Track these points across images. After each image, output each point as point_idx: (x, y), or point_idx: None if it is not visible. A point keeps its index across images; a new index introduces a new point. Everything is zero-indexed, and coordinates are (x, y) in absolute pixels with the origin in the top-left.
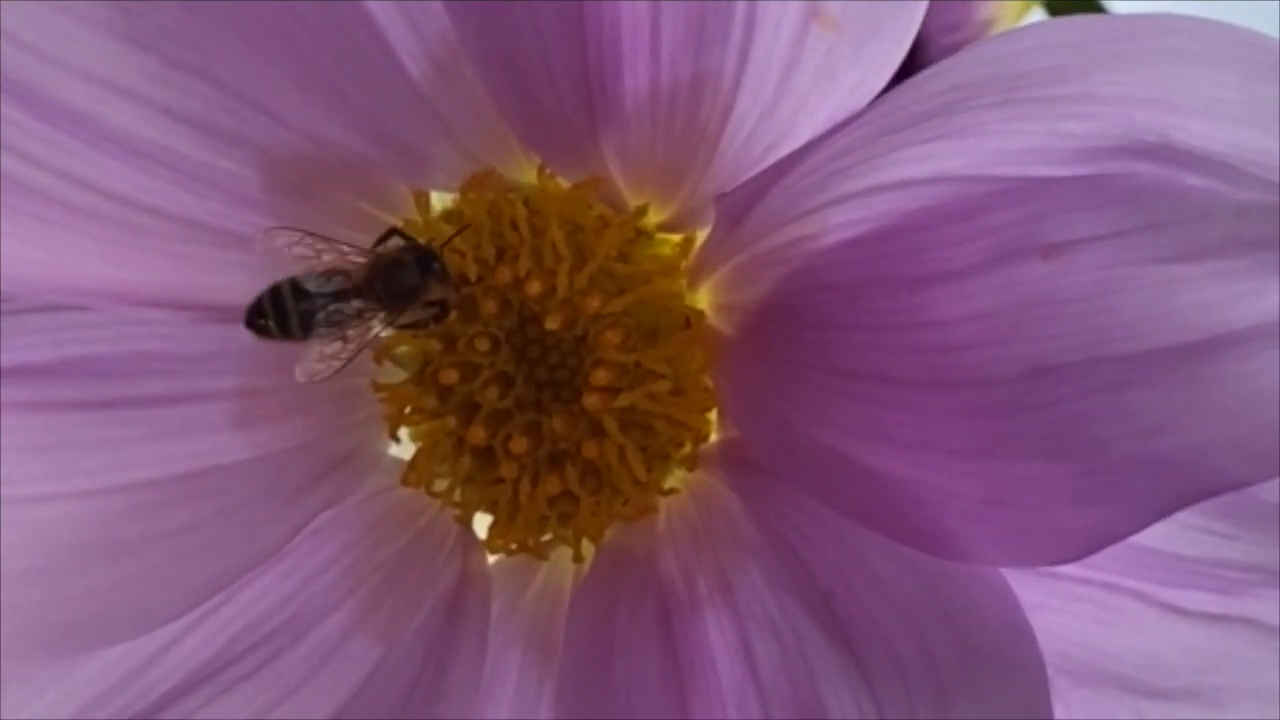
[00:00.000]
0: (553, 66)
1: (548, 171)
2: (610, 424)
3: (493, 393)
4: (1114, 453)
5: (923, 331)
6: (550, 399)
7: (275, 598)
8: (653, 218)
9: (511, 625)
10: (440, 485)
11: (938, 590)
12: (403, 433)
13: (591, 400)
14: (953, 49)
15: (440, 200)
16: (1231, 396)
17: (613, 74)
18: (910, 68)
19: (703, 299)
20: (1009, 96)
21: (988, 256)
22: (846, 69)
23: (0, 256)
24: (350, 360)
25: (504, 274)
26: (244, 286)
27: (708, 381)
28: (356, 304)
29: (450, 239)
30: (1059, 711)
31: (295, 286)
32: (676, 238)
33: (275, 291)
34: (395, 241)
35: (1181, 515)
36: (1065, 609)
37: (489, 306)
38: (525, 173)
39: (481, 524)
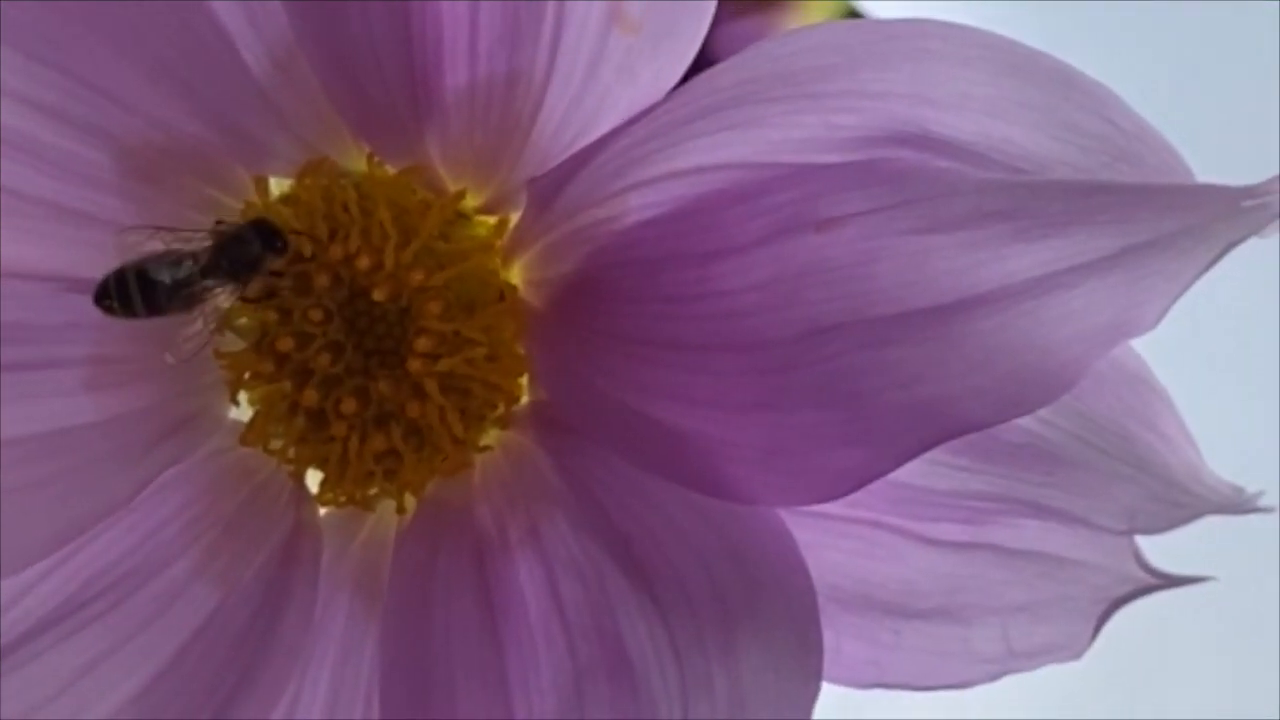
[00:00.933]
0: (381, 65)
1: (376, 159)
2: (431, 387)
3: (325, 359)
4: (877, 401)
5: (711, 300)
6: (377, 365)
7: (123, 547)
8: (471, 201)
9: (340, 571)
10: (276, 444)
11: (724, 531)
12: (241, 397)
13: (415, 365)
14: None
15: (278, 185)
16: (977, 350)
17: (435, 72)
18: (700, 65)
19: (515, 275)
20: (787, 92)
21: (768, 232)
22: (645, 65)
23: None
24: (213, 333)
25: (336, 251)
26: (99, 262)
27: (519, 349)
28: (205, 282)
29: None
30: (829, 634)
31: (139, 271)
32: (492, 219)
33: (119, 275)
34: (234, 219)
35: (933, 454)
36: (834, 545)
37: (322, 280)
38: (356, 160)
39: (313, 480)
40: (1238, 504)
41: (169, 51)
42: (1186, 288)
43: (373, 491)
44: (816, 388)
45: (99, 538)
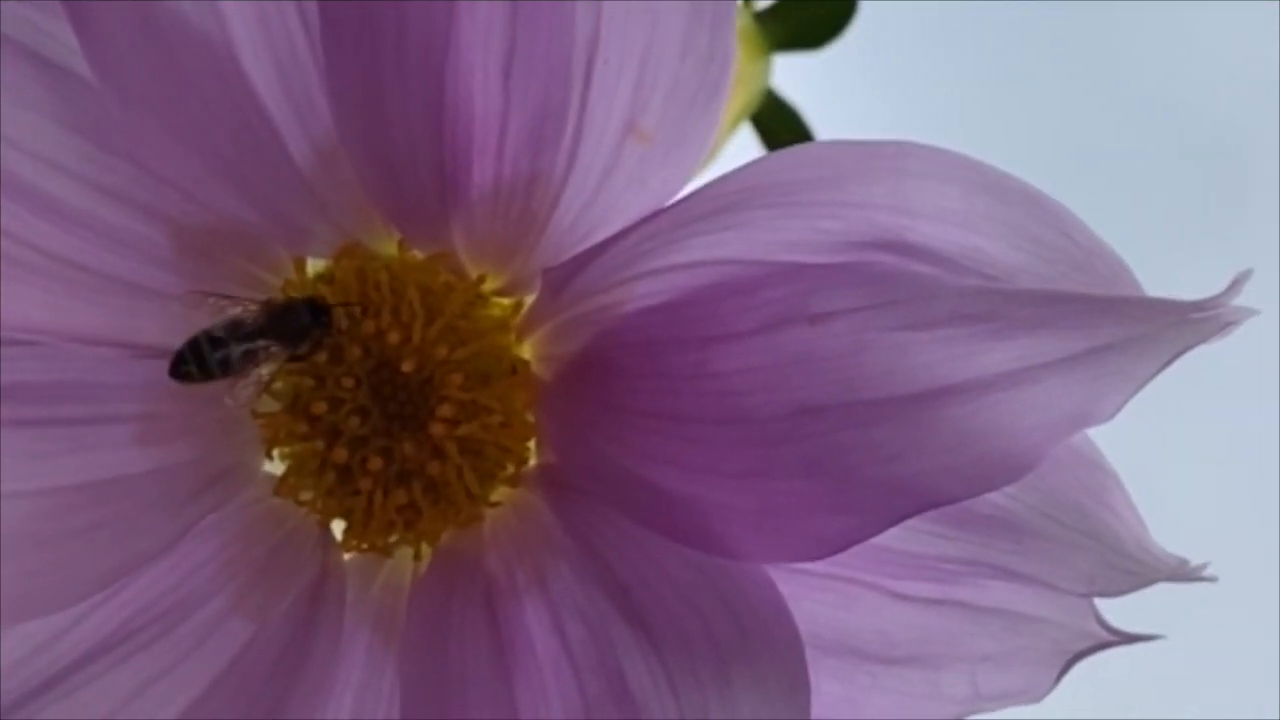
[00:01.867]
0: (415, 163)
1: (406, 245)
2: (451, 449)
3: (354, 421)
4: (860, 474)
5: (708, 380)
6: (399, 428)
7: (164, 585)
8: (489, 284)
9: (361, 610)
10: (306, 496)
11: (716, 582)
12: (275, 453)
13: (437, 429)
14: None
15: (312, 265)
16: (951, 433)
17: (464, 171)
18: None
19: (527, 350)
20: (780, 199)
21: (764, 323)
22: (655, 172)
23: None
24: (268, 384)
25: (369, 326)
26: (152, 330)
27: (530, 417)
28: (262, 343)
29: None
30: (810, 675)
31: (208, 336)
32: (508, 301)
33: (193, 343)
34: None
35: (911, 522)
36: (814, 598)
37: (354, 352)
38: (387, 245)
39: (336, 528)
40: (1184, 573)
41: (226, 144)
42: (1141, 386)
43: (393, 539)
44: (804, 460)
45: (143, 576)
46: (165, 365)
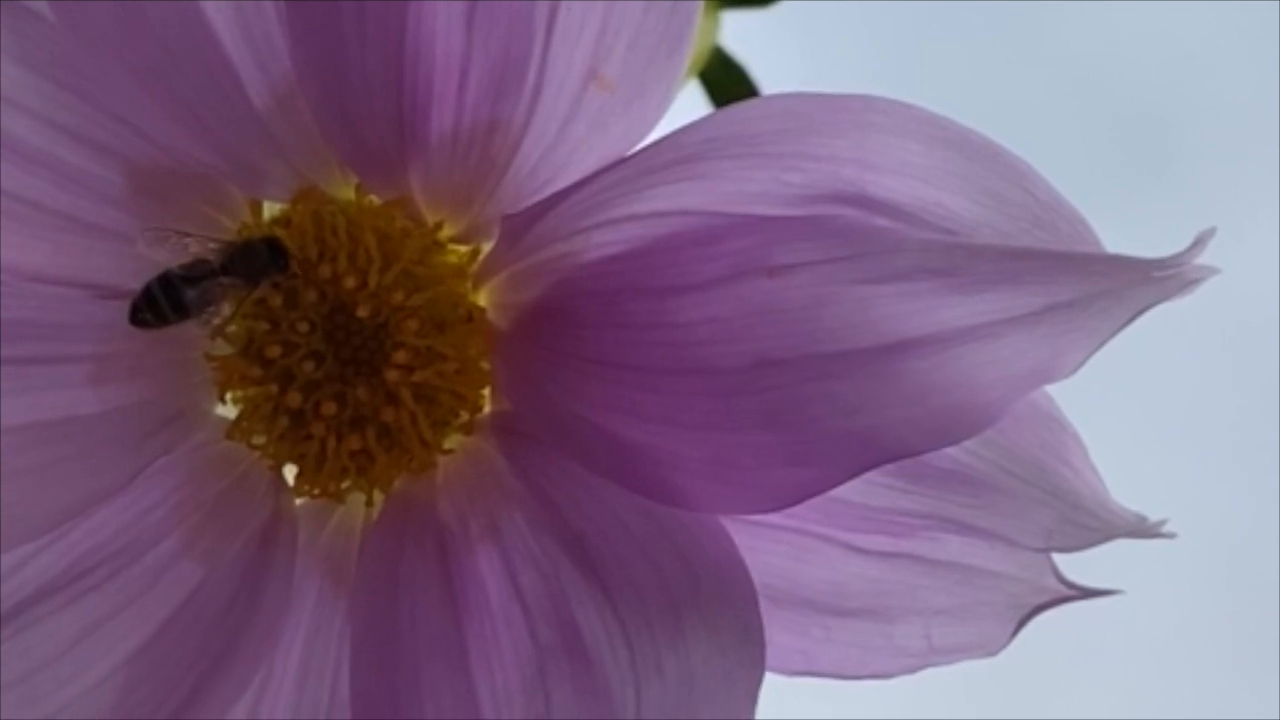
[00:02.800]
0: (373, 108)
1: (363, 190)
2: (405, 395)
3: (308, 366)
4: (819, 427)
5: (666, 330)
6: (353, 373)
7: (115, 526)
8: (446, 231)
9: (312, 555)
10: (258, 440)
11: (670, 532)
12: (227, 396)
13: (392, 375)
14: None
15: (269, 209)
16: (911, 387)
17: (422, 116)
18: None
19: (483, 298)
20: (743, 150)
21: (723, 274)
22: (616, 121)
23: None
24: (225, 323)
25: (324, 270)
26: (107, 270)
27: (485, 364)
28: (221, 283)
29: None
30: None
31: (165, 280)
32: (465, 248)
33: (149, 288)
34: (243, 233)
35: (868, 475)
36: (767, 549)
37: (309, 296)
38: (344, 190)
39: (289, 473)
40: (1142, 529)
41: (183, 85)
42: (1103, 343)
43: (345, 485)
44: (763, 412)
45: (93, 517)
46: (120, 306)
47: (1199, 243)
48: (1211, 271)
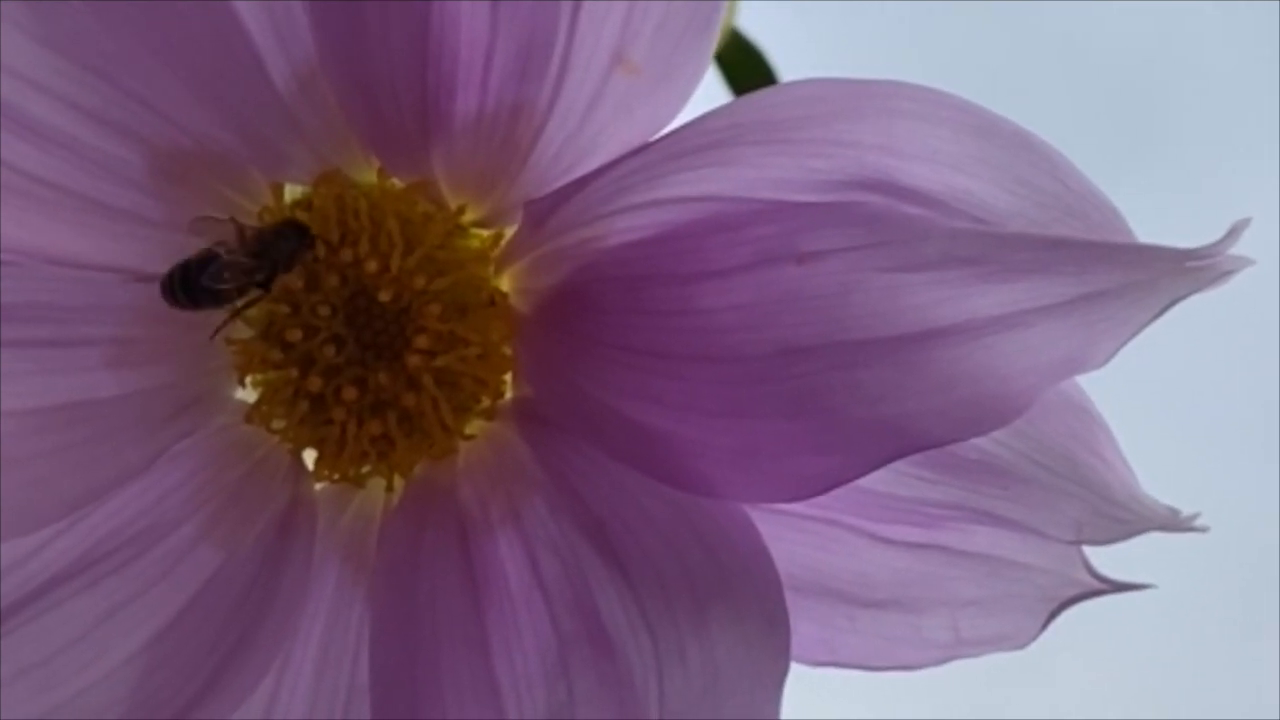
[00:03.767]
0: (396, 90)
1: (386, 173)
2: (427, 380)
3: (329, 350)
4: (845, 416)
5: (690, 316)
6: (374, 358)
7: (134, 510)
8: (469, 215)
9: (331, 540)
10: (278, 424)
11: (693, 520)
12: (247, 380)
13: (414, 360)
14: None
15: (290, 192)
16: (939, 375)
17: (446, 98)
18: None
19: (506, 283)
20: (768, 136)
21: (749, 260)
22: (642, 105)
23: None
24: (239, 312)
25: (346, 254)
26: (128, 253)
27: (507, 350)
28: (250, 266)
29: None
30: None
31: (195, 262)
32: (488, 232)
33: (181, 269)
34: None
35: (896, 464)
36: (791, 539)
37: (331, 280)
38: (366, 173)
39: (308, 457)
40: (1175, 523)
41: (205, 67)
42: (1135, 334)
43: (365, 470)
44: (788, 400)
45: (113, 500)
46: (139, 289)
47: (1233, 233)
48: (1246, 262)
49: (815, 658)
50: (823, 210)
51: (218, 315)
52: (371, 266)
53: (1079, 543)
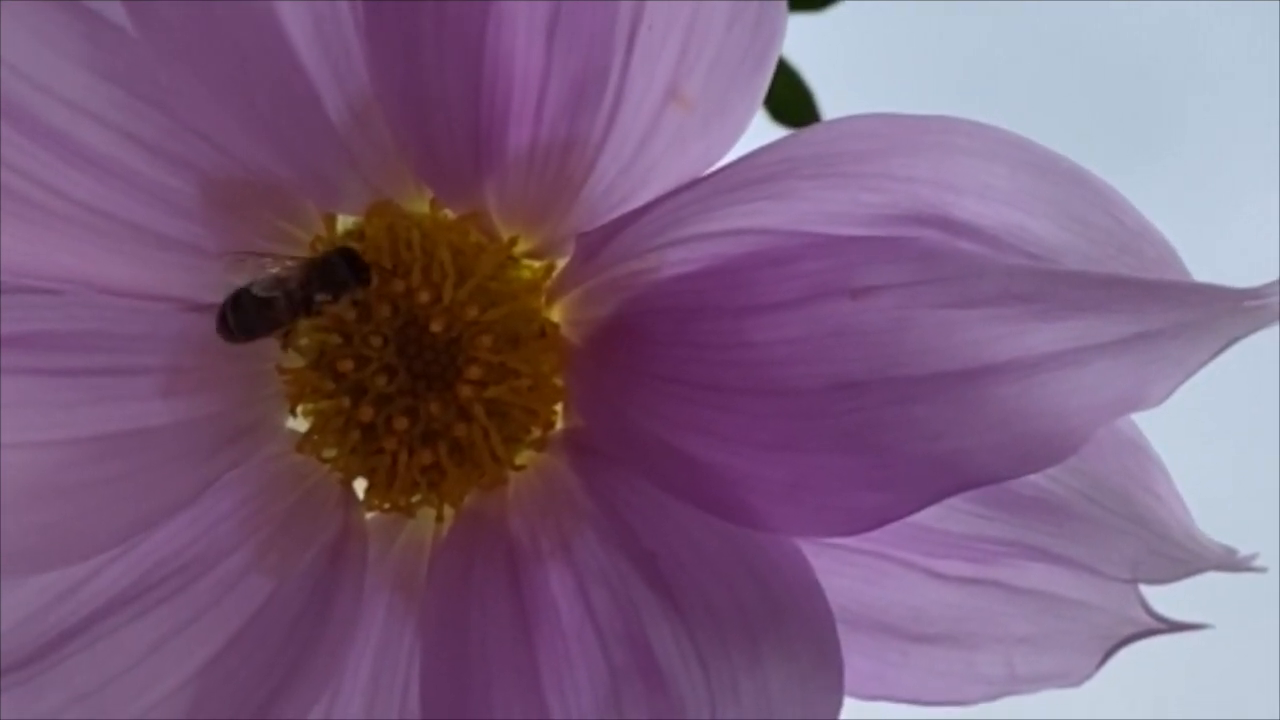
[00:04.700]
0: (450, 123)
1: (438, 204)
2: (478, 411)
3: (381, 380)
4: (900, 451)
5: (742, 350)
6: (425, 388)
7: (185, 538)
8: (521, 246)
9: (382, 569)
10: (329, 454)
11: (745, 553)
12: (298, 410)
13: (465, 391)
14: None
15: (342, 222)
16: (995, 412)
17: (500, 132)
18: None
19: (557, 314)
20: (822, 170)
21: (802, 294)
22: (695, 140)
23: None
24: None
25: (398, 285)
26: (180, 282)
27: (558, 381)
28: (302, 297)
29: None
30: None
31: (249, 294)
32: (540, 263)
33: (235, 300)
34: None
35: (950, 500)
36: (843, 573)
37: (383, 310)
38: (418, 204)
39: (359, 487)
40: (1232, 562)
41: (260, 98)
42: (1192, 373)
43: (416, 500)
44: (841, 435)
45: (163, 528)
46: (193, 319)
47: None
48: None
49: (868, 691)
50: (877, 245)
51: (269, 344)
52: (424, 297)
53: (1135, 581)
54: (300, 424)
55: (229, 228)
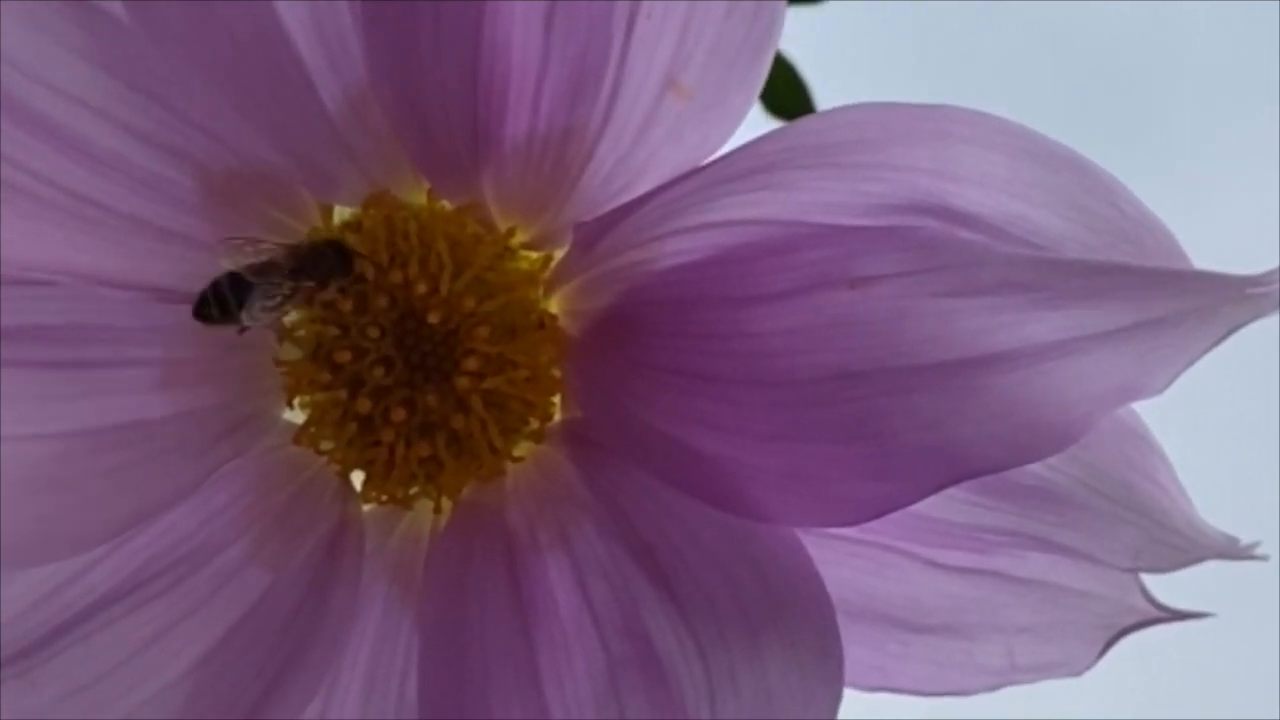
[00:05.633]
0: (448, 112)
1: (435, 195)
2: (476, 402)
3: (378, 372)
4: (900, 441)
5: (741, 340)
6: (422, 379)
7: (181, 532)
8: (519, 237)
9: (379, 562)
10: (326, 446)
11: (744, 544)
12: (296, 401)
13: (463, 382)
14: None
15: (339, 213)
16: (994, 401)
17: (497, 121)
18: None
19: (555, 305)
20: (821, 160)
21: (801, 284)
22: (693, 129)
23: None
24: (279, 318)
25: (396, 276)
26: (177, 274)
27: (555, 372)
28: (287, 285)
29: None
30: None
31: (231, 277)
32: (537, 254)
33: (216, 284)
34: (311, 237)
35: (950, 490)
36: (842, 563)
37: (380, 301)
38: (415, 195)
39: (356, 479)
40: (1235, 551)
41: (257, 88)
42: (1194, 361)
43: (413, 492)
44: (841, 425)
45: (160, 521)
46: (188, 310)
47: None
48: None
49: (868, 682)
50: (877, 234)
51: (266, 335)
52: (421, 288)
53: (1136, 570)
54: (297, 416)
55: (226, 219)
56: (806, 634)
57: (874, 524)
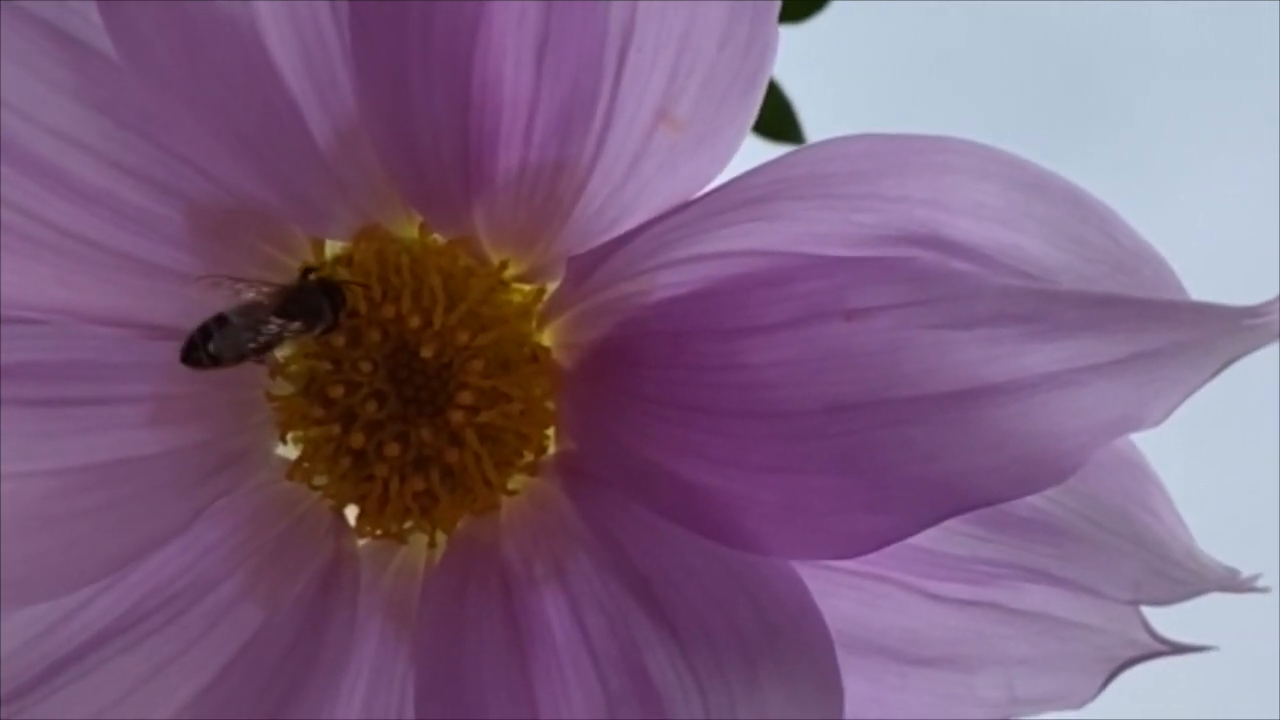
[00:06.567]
0: (439, 147)
1: (427, 228)
2: (470, 436)
3: (371, 406)
4: (896, 474)
5: (735, 372)
6: (415, 413)
7: (175, 569)
8: (512, 270)
9: (374, 596)
10: (319, 481)
11: (741, 577)
12: (288, 437)
13: (456, 416)
14: None
15: (330, 247)
16: (991, 433)
17: (489, 155)
18: None
19: (549, 338)
20: (814, 191)
21: (795, 316)
22: (686, 162)
23: None
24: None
25: (388, 310)
26: (167, 310)
27: (550, 405)
28: (275, 324)
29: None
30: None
31: (219, 320)
32: (530, 287)
33: (203, 328)
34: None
35: (947, 522)
36: (839, 595)
37: (373, 336)
38: (407, 229)
39: (350, 514)
40: (1236, 583)
41: (246, 124)
42: (1191, 393)
43: (408, 526)
44: (837, 457)
45: (153, 558)
46: (178, 347)
47: None
48: None
49: (868, 715)
50: (871, 266)
51: (258, 371)
52: (414, 322)
53: (1137, 602)
54: (290, 451)
55: (217, 255)
56: (805, 667)
57: (871, 556)
